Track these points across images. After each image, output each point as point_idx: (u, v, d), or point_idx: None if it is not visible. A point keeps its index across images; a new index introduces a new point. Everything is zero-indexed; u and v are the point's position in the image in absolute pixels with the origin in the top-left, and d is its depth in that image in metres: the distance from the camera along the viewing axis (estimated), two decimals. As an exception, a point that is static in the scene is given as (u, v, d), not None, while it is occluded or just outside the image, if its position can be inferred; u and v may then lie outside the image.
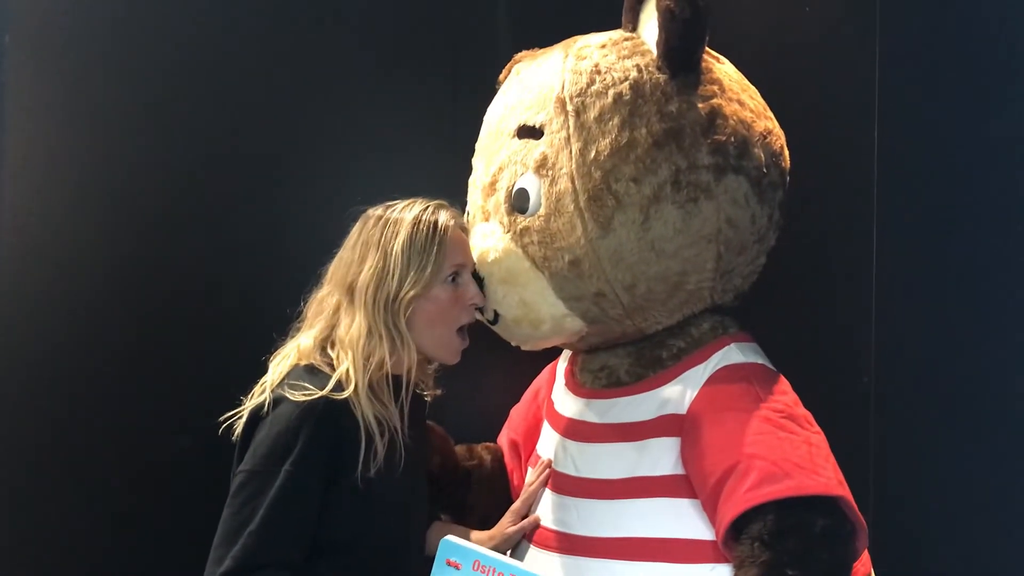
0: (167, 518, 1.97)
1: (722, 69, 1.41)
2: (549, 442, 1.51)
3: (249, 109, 1.98)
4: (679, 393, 1.34)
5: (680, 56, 1.32)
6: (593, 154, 1.31)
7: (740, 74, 1.44)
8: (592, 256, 1.32)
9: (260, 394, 1.39)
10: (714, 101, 1.33)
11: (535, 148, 1.36)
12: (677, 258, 1.33)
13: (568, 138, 1.33)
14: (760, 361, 1.36)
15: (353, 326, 1.38)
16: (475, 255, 1.40)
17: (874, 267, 1.61)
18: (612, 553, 1.28)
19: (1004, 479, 1.30)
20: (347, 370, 1.36)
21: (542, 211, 1.35)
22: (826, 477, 1.19)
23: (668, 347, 1.41)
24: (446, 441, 1.66)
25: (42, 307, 1.99)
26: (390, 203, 1.47)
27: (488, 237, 1.40)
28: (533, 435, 1.65)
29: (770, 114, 1.42)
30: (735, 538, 1.18)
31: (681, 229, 1.31)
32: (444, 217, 1.42)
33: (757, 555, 1.14)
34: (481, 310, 1.44)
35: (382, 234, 1.41)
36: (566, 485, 1.40)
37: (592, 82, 1.34)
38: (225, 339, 1.99)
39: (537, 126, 1.37)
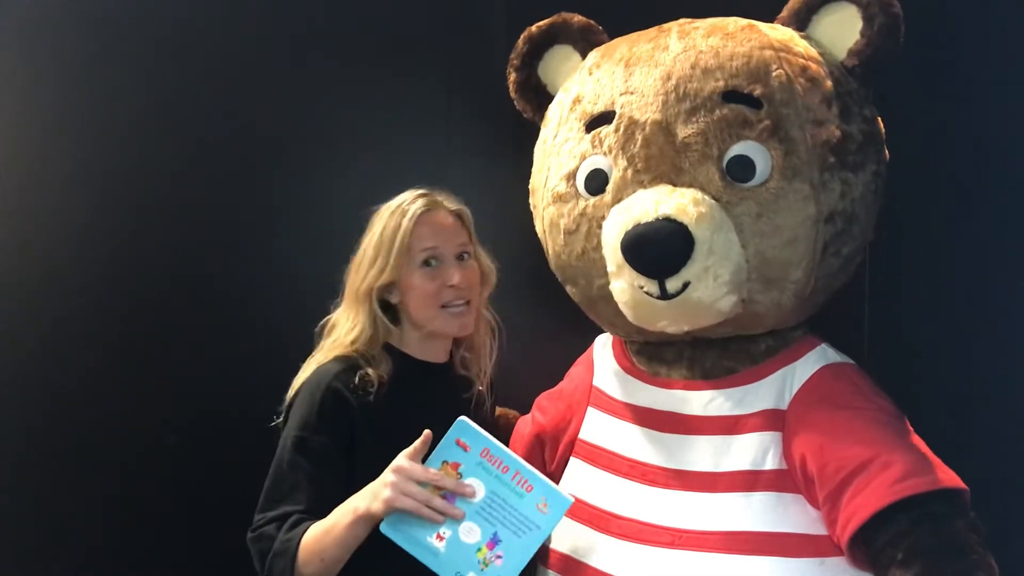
0: (154, 514, 1.96)
1: None
2: (615, 431, 1.40)
3: (244, 107, 1.96)
4: (778, 389, 1.32)
5: (877, 70, 1.36)
6: (825, 136, 1.27)
7: None
8: (812, 240, 1.27)
9: None
10: (878, 116, 1.41)
11: (758, 117, 1.26)
12: (851, 262, 1.35)
13: (798, 114, 1.27)
14: (853, 362, 1.39)
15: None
16: (690, 218, 1.22)
17: (867, 271, 1.63)
18: (720, 547, 1.22)
19: (1003, 478, 1.51)
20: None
21: (772, 183, 1.25)
22: (952, 473, 1.22)
23: (758, 342, 1.38)
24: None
25: (30, 303, 2.00)
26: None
27: (700, 203, 1.23)
28: (562, 426, 1.52)
29: None
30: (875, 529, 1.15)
31: (862, 231, 1.34)
32: (417, 205, 1.45)
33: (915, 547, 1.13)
34: (662, 284, 1.24)
35: (367, 231, 1.48)
36: (657, 477, 1.31)
37: (806, 68, 1.30)
38: (215, 338, 1.97)
39: (756, 94, 1.27)
